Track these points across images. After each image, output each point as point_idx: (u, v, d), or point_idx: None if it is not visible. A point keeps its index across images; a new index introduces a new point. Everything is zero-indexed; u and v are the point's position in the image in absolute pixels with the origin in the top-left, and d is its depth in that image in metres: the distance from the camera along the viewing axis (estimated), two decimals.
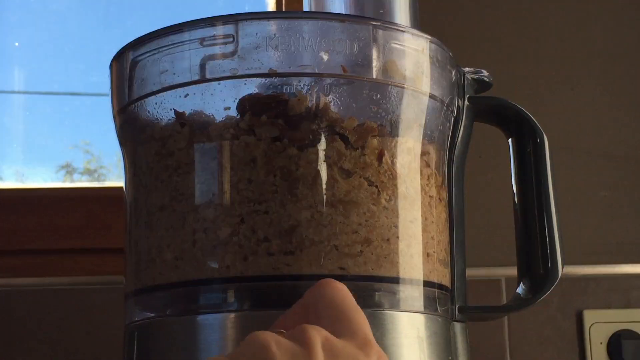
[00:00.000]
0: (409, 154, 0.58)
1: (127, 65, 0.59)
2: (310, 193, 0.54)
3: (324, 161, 0.54)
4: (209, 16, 0.56)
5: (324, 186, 0.54)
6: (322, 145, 0.54)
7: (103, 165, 1.08)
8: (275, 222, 0.53)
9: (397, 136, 0.57)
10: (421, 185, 0.58)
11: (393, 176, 0.56)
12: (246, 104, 0.55)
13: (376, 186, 0.55)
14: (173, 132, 0.57)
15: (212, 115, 0.56)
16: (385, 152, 0.56)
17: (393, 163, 0.56)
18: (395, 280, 0.55)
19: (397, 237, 0.56)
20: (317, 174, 0.54)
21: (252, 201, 0.53)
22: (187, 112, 0.57)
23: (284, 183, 0.53)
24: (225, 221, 0.54)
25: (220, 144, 0.55)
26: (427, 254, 0.58)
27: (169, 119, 0.57)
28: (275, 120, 0.54)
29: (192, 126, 0.56)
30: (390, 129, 0.57)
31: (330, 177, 0.54)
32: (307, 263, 0.53)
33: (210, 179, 0.55)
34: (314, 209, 0.53)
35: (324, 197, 0.54)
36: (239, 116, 0.55)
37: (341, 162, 0.54)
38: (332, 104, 0.55)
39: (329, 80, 0.55)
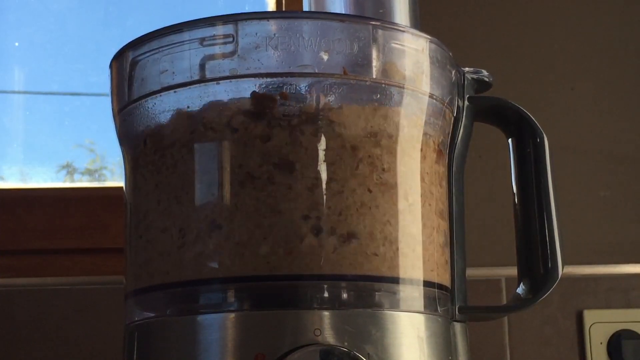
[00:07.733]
0: (408, 154, 0.58)
1: (127, 65, 0.59)
2: (309, 194, 0.54)
3: (324, 161, 0.54)
4: (209, 16, 0.56)
5: (323, 187, 0.54)
6: (322, 146, 0.54)
7: (106, 166, 1.08)
8: (275, 222, 0.53)
9: (397, 136, 0.57)
10: (421, 185, 0.58)
11: (393, 176, 0.56)
12: (247, 103, 0.55)
13: (376, 187, 0.55)
14: (173, 131, 0.57)
15: (212, 114, 0.56)
16: (385, 153, 0.56)
17: (393, 164, 0.56)
18: (395, 280, 0.55)
19: (397, 237, 0.56)
20: (317, 175, 0.54)
21: (252, 201, 0.53)
22: (186, 112, 0.56)
23: (283, 183, 0.53)
24: (225, 221, 0.54)
25: (220, 144, 0.55)
26: (427, 254, 0.58)
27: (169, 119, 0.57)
28: (276, 119, 0.54)
29: (191, 126, 0.56)
30: (390, 129, 0.57)
31: (329, 178, 0.54)
32: (307, 263, 0.53)
33: (210, 179, 0.55)
34: (314, 209, 0.53)
35: (324, 198, 0.54)
36: (238, 116, 0.55)
37: (341, 164, 0.54)
38: (331, 103, 0.55)
39: (328, 80, 0.55)
